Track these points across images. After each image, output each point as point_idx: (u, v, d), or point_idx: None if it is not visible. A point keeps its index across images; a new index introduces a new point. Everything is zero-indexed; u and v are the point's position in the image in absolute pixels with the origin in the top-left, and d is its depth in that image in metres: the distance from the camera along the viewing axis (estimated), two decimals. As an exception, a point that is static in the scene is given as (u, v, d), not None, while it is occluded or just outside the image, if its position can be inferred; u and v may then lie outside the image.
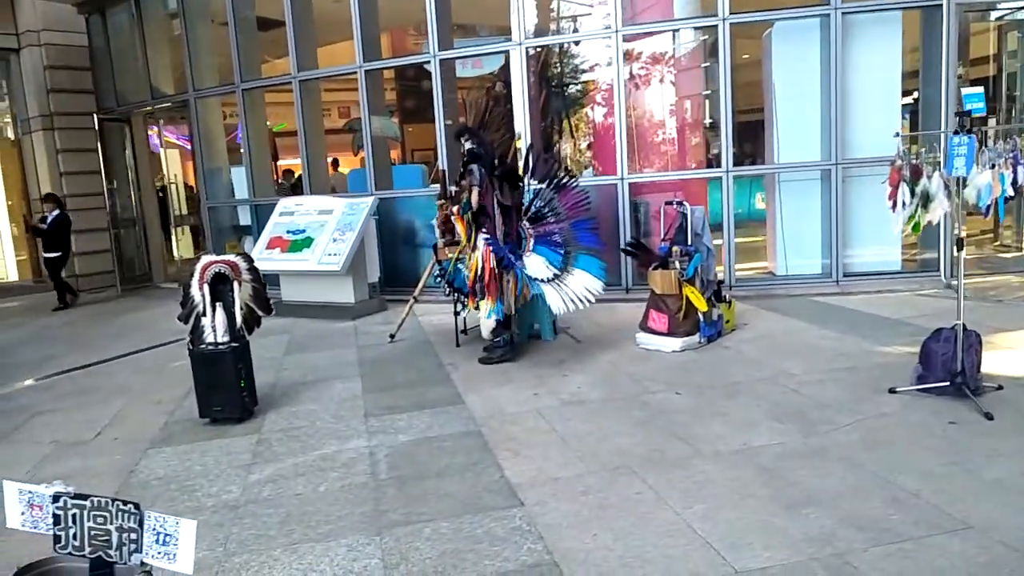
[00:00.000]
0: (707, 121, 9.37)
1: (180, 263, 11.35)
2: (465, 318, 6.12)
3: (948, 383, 3.99)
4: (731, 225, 7.43)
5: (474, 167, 5.33)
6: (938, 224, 7.20)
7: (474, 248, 5.32)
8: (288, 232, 8.01)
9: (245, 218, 10.01)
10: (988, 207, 3.83)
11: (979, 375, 4.07)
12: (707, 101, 8.94)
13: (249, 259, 4.76)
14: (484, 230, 5.24)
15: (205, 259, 4.57)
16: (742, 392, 4.42)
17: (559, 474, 3.42)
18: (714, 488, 3.16)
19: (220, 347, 4.46)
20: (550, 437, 3.91)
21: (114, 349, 6.93)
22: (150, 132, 11.40)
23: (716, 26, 7.17)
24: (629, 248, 6.06)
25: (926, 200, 3.77)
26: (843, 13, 7.03)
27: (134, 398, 5.25)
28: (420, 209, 8.63)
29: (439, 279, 6.02)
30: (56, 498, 1.56)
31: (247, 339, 4.61)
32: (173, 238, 11.42)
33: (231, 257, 4.62)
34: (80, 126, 11.01)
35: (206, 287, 4.48)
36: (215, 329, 4.51)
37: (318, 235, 7.75)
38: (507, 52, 8.13)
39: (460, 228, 5.46)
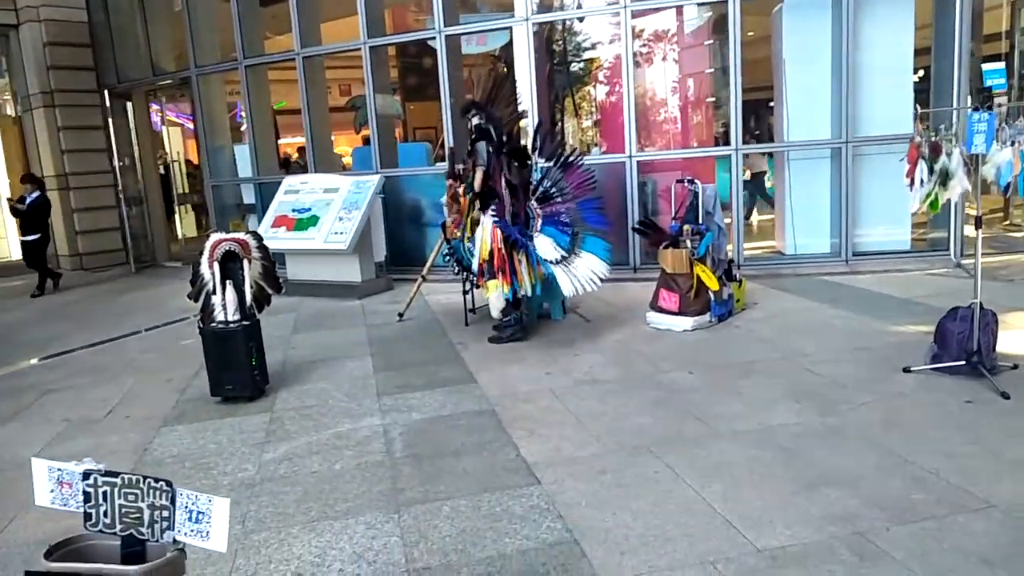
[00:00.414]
0: (712, 99, 9.30)
1: (183, 242, 11.29)
2: (474, 297, 6.09)
3: (964, 362, 3.97)
4: (740, 204, 7.38)
5: (480, 145, 5.26)
6: (948, 202, 7.25)
7: (474, 228, 5.33)
8: (293, 210, 7.96)
9: (249, 196, 9.94)
10: (1008, 185, 3.79)
11: (994, 354, 4.05)
12: (714, 78, 8.84)
13: (259, 237, 4.73)
14: (492, 210, 5.16)
15: (215, 237, 4.53)
16: (756, 371, 4.40)
17: (575, 453, 3.41)
18: (732, 467, 3.15)
19: (231, 325, 4.44)
20: (564, 416, 3.90)
21: (121, 327, 6.91)
22: (151, 110, 11.28)
23: (726, 1, 7.07)
24: (640, 227, 6.01)
25: (945, 178, 3.72)
26: (855, -13, 6.93)
27: (144, 376, 5.24)
28: (426, 187, 8.57)
29: (448, 258, 5.98)
30: (86, 475, 1.54)
31: (257, 317, 4.59)
32: (176, 217, 11.34)
33: (241, 235, 4.58)
34: (81, 103, 10.91)
35: (216, 265, 4.45)
36: (225, 307, 4.48)
37: (324, 213, 7.70)
38: (513, 28, 8.08)
39: (463, 207, 5.41)
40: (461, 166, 5.60)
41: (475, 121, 5.33)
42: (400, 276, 8.15)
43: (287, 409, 4.31)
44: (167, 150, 11.53)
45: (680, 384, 4.29)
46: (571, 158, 5.48)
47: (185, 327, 6.84)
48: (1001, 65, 4.10)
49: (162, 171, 11.58)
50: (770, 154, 9.29)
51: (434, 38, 8.03)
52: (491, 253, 5.12)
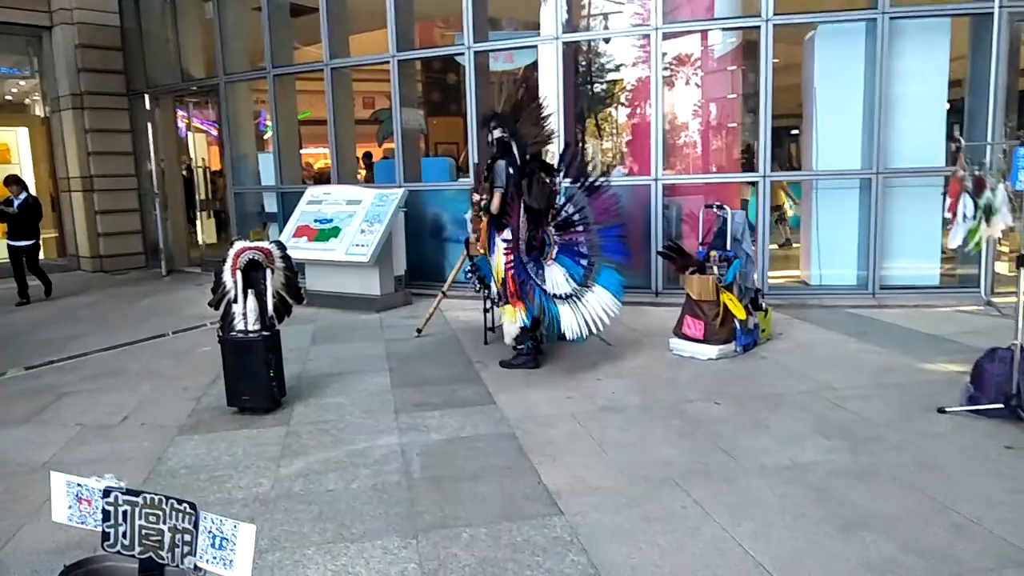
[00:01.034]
0: (739, 124, 9.20)
1: (203, 248, 11.30)
2: (493, 315, 6.01)
3: (1002, 406, 3.84)
4: (766, 231, 7.27)
5: (500, 164, 5.04)
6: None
7: (490, 251, 5.22)
8: (315, 221, 7.94)
9: (271, 205, 9.95)
10: (1054, 224, 3.68)
11: (1034, 398, 3.91)
12: (743, 104, 8.76)
13: (282, 247, 4.68)
14: (507, 236, 5.02)
15: (239, 245, 4.49)
16: (784, 405, 4.29)
17: (599, 483, 3.31)
18: (763, 505, 3.04)
19: (251, 335, 4.38)
20: (587, 444, 3.80)
21: (139, 332, 6.88)
22: (177, 116, 11.34)
23: (759, 27, 7.01)
24: (666, 251, 5.91)
25: (988, 213, 3.62)
26: (890, 18, 6.85)
27: (160, 383, 5.19)
28: (448, 202, 8.55)
29: (470, 275, 5.91)
30: (107, 493, 1.47)
31: (278, 328, 4.53)
32: (197, 223, 11.37)
33: (265, 244, 4.54)
34: (109, 106, 11.00)
35: (239, 273, 4.40)
36: (246, 317, 4.43)
37: (346, 225, 7.67)
38: (540, 47, 8.06)
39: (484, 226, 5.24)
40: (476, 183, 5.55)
41: (496, 134, 5.12)
42: (418, 291, 8.10)
43: (304, 423, 4.23)
44: (191, 156, 11.58)
45: (706, 415, 4.18)
46: (598, 182, 5.36)
47: (202, 334, 6.81)
48: None
49: (184, 176, 11.63)
50: (794, 183, 9.20)
51: (463, 54, 8.02)
52: (504, 283, 5.03)
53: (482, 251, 5.75)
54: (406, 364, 5.45)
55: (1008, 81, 6.86)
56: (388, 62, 8.46)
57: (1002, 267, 7.56)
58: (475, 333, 6.25)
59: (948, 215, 3.83)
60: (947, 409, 4.03)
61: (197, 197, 11.10)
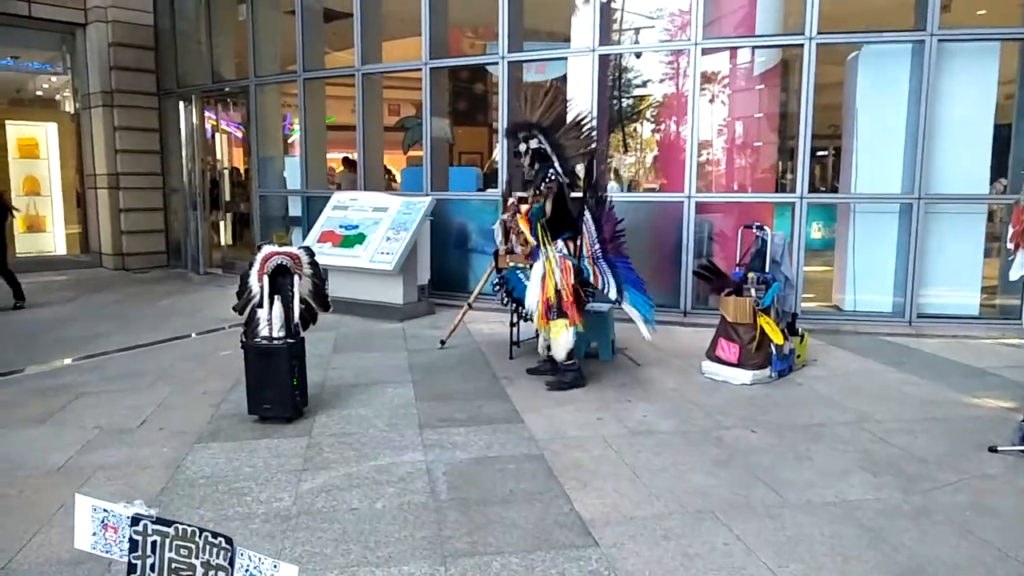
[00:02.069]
0: (775, 143, 9.03)
1: (225, 249, 11.26)
2: (519, 330, 5.87)
3: (1059, 447, 3.65)
4: (802, 254, 7.08)
5: (556, 168, 4.89)
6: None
7: (532, 259, 5.02)
8: (341, 227, 7.85)
9: (295, 209, 9.89)
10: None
11: (1094, 441, 3.71)
12: (780, 123, 8.59)
13: (310, 252, 4.57)
14: (561, 243, 4.91)
15: (267, 249, 4.39)
16: (825, 436, 4.10)
17: (635, 512, 3.15)
18: (810, 545, 2.86)
19: (275, 342, 4.27)
20: (620, 469, 3.64)
21: (159, 332, 6.80)
22: (206, 117, 11.34)
23: (802, 45, 6.86)
24: (701, 270, 5.75)
25: (1055, 245, 3.44)
26: (939, 40, 6.68)
27: (180, 386, 5.09)
28: (474, 212, 8.44)
29: (498, 288, 5.77)
30: (135, 521, 1.34)
31: (303, 336, 4.42)
32: (221, 224, 11.34)
33: (293, 249, 4.44)
34: (139, 104, 11.03)
35: (266, 278, 4.30)
36: (271, 323, 4.32)
37: (371, 232, 7.58)
38: (572, 59, 7.95)
39: (526, 232, 4.97)
40: (519, 194, 5.37)
41: (533, 145, 4.93)
42: (441, 301, 7.98)
43: (326, 435, 4.11)
44: (219, 157, 11.56)
45: (743, 443, 4.00)
46: (605, 198, 5.26)
47: (223, 337, 6.73)
48: None
49: (213, 177, 11.61)
50: (828, 205, 9.00)
51: (496, 63, 7.92)
52: (557, 291, 4.79)
53: (512, 264, 5.63)
54: (430, 376, 5.31)
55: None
56: (420, 69, 8.37)
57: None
58: (499, 347, 6.11)
59: (1010, 246, 3.65)
60: (999, 448, 3.83)
61: (222, 198, 11.06)
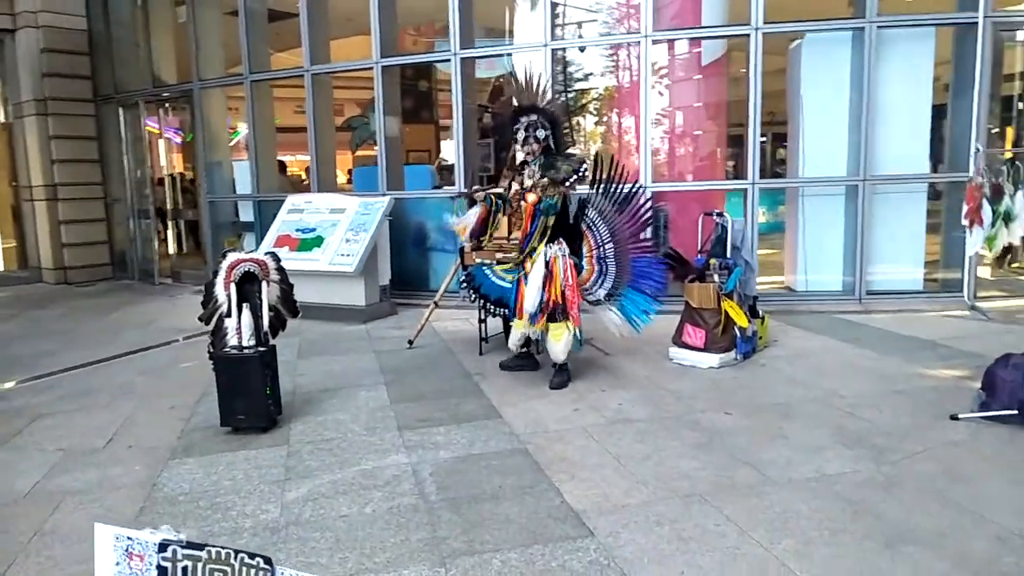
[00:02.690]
0: (723, 132, 9.20)
1: (174, 258, 10.96)
2: (487, 326, 5.87)
3: (1016, 412, 3.83)
4: (755, 239, 7.25)
5: (572, 158, 4.72)
6: (962, 243, 7.20)
7: (527, 259, 4.76)
8: (297, 230, 7.72)
9: (247, 214, 9.67)
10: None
11: (1048, 405, 3.91)
12: (729, 111, 8.76)
13: (277, 258, 4.49)
14: (563, 247, 4.72)
15: (232, 257, 4.29)
16: (796, 414, 4.23)
17: (625, 500, 3.19)
18: (799, 521, 2.95)
19: (246, 351, 4.18)
20: (604, 458, 3.68)
21: (112, 347, 6.57)
22: (146, 122, 10.98)
23: (748, 35, 7.01)
24: (665, 258, 5.83)
25: (1008, 219, 3.61)
26: (878, 27, 6.91)
27: (143, 402, 4.94)
28: (431, 210, 8.39)
29: (465, 285, 5.76)
30: (163, 547, 1.30)
31: (273, 343, 4.34)
32: (169, 233, 11.02)
33: (260, 255, 4.35)
34: (75, 112, 10.62)
35: (233, 287, 4.20)
36: (240, 331, 4.23)
37: (329, 234, 7.47)
38: (521, 55, 7.98)
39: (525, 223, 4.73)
40: (512, 183, 4.94)
41: (540, 135, 4.67)
42: (402, 301, 7.93)
43: (304, 442, 4.04)
44: (163, 163, 11.22)
45: (719, 425, 4.09)
46: (633, 191, 4.91)
47: (182, 348, 6.56)
48: None
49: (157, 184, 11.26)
50: (777, 190, 9.22)
51: (449, 60, 7.88)
52: (562, 292, 4.64)
53: (478, 260, 5.62)
54: (402, 377, 5.28)
55: (991, 88, 6.97)
56: (371, 68, 8.27)
57: (984, 272, 7.66)
58: (467, 344, 6.11)
59: (965, 222, 3.81)
60: (960, 416, 4.01)
61: (168, 206, 10.74)
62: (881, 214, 7.28)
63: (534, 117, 4.58)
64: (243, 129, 13.20)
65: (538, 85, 4.76)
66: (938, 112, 7.46)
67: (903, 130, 7.20)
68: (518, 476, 3.48)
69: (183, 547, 1.29)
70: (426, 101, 16.75)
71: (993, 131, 7.29)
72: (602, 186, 4.87)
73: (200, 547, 1.30)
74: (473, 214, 5.38)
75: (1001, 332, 6.06)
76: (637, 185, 4.94)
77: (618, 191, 4.87)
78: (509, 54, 8.54)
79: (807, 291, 7.62)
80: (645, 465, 3.57)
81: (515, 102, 4.86)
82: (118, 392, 5.20)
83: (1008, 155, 7.31)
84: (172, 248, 11.10)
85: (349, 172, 12.58)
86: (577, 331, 4.74)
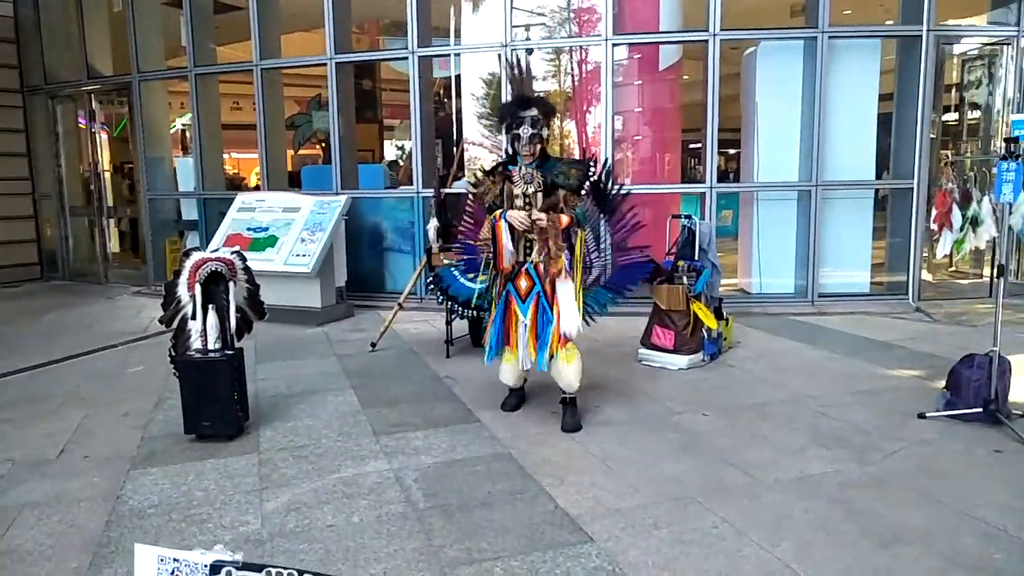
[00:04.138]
0: (678, 135, 9.34)
1: (111, 258, 10.44)
2: (451, 329, 5.76)
3: (980, 410, 3.97)
4: (713, 241, 7.34)
5: (576, 162, 4.01)
6: (907, 247, 7.47)
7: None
8: (249, 229, 7.46)
9: (190, 212, 9.30)
10: (1032, 234, 3.83)
11: (1009, 403, 4.06)
12: (684, 115, 8.90)
13: (243, 257, 4.30)
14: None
15: (197, 256, 4.08)
16: (771, 415, 4.28)
17: (618, 504, 3.15)
18: (793, 522, 2.97)
19: (212, 355, 3.98)
20: (590, 462, 3.64)
21: (51, 351, 6.19)
22: (80, 115, 10.43)
23: (706, 41, 7.12)
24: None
25: (975, 224, 3.74)
26: (829, 36, 7.11)
27: (95, 409, 4.65)
28: (388, 210, 8.24)
29: (431, 286, 5.65)
30: (215, 569, 1.18)
31: (241, 346, 4.15)
32: (106, 231, 10.48)
33: (227, 254, 4.15)
34: (1, 103, 10.01)
35: (198, 287, 4.00)
36: (206, 334, 4.03)
37: (284, 234, 7.24)
38: (469, 56, 7.90)
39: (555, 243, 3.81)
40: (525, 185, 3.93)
41: (544, 132, 3.93)
42: (358, 303, 7.75)
43: (276, 450, 3.87)
44: (99, 158, 10.67)
45: (699, 427, 4.11)
46: (623, 194, 4.19)
47: (128, 351, 6.24)
48: None
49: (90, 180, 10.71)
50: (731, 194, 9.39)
51: (406, 58, 7.74)
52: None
53: (446, 262, 5.53)
54: (370, 381, 5.13)
55: (933, 98, 7.27)
56: (324, 64, 8.06)
57: (927, 275, 7.98)
58: (431, 346, 6.00)
59: (934, 226, 3.93)
60: (927, 415, 4.13)
61: (105, 203, 10.21)
62: (831, 219, 7.49)
63: (534, 111, 3.85)
64: (178, 123, 12.74)
65: (529, 75, 4.07)
66: (883, 121, 7.74)
67: (851, 138, 7.43)
68: (507, 481, 3.41)
69: (239, 568, 1.18)
70: (370, 100, 16.51)
71: (934, 139, 7.56)
72: (591, 190, 4.06)
73: (259, 568, 1.19)
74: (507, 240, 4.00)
75: (947, 333, 6.31)
76: (625, 189, 4.26)
77: (610, 195, 4.14)
78: (457, 54, 8.45)
79: (761, 293, 7.78)
80: (632, 468, 3.54)
81: (511, 93, 4.12)
82: (65, 399, 4.90)
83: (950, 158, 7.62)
84: (108, 247, 10.56)
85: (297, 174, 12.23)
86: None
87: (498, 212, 3.95)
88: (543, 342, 3.93)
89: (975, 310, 7.25)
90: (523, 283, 3.98)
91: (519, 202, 3.92)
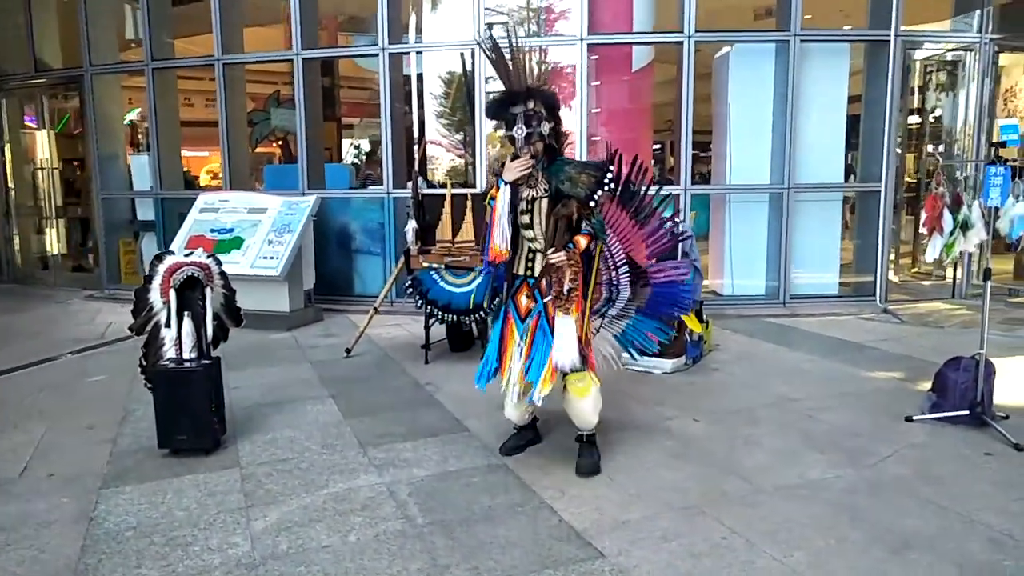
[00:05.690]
0: (650, 137, 9.35)
1: (59, 260, 9.99)
2: (429, 334, 5.62)
3: (967, 412, 4.00)
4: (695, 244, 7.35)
5: (588, 164, 3.57)
6: (874, 249, 7.60)
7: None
8: (212, 231, 7.18)
9: (145, 213, 8.94)
10: (1019, 238, 3.88)
11: (993, 404, 4.12)
12: (656, 116, 8.90)
13: (219, 261, 4.11)
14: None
15: (171, 260, 3.88)
16: (761, 419, 4.26)
17: (624, 516, 3.07)
18: (801, 530, 2.93)
19: (187, 365, 3.78)
20: (588, 471, 3.55)
21: (1, 360, 5.85)
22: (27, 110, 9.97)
23: (681, 43, 7.11)
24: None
25: (965, 228, 3.77)
26: (801, 40, 7.18)
27: (56, 423, 4.38)
28: (356, 211, 8.05)
29: (410, 290, 5.51)
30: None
31: (218, 356, 3.96)
32: (53, 233, 10.02)
33: (203, 258, 3.95)
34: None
35: (173, 293, 3.79)
36: (181, 343, 3.83)
37: (250, 236, 6.99)
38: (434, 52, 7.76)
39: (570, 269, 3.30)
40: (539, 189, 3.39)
41: (544, 130, 3.32)
42: (326, 306, 7.54)
43: (258, 464, 3.69)
44: (48, 155, 10.20)
45: (691, 433, 4.06)
46: (662, 200, 3.59)
47: (84, 360, 5.95)
48: (1015, 121, 4.25)
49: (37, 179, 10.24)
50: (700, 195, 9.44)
51: (376, 55, 7.56)
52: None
53: (425, 264, 5.40)
54: (349, 389, 4.96)
55: (901, 101, 7.41)
56: (289, 60, 7.83)
57: (895, 277, 8.14)
58: (408, 351, 5.87)
59: (924, 230, 3.96)
60: (914, 418, 4.16)
61: (53, 203, 9.75)
62: (801, 221, 7.57)
63: (532, 104, 3.28)
64: (127, 119, 12.26)
65: (528, 61, 3.36)
66: (852, 124, 7.86)
67: (820, 140, 7.51)
68: (506, 494, 3.30)
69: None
70: (328, 98, 16.27)
71: (900, 143, 7.72)
72: (617, 192, 3.44)
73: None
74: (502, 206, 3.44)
75: (917, 335, 6.42)
76: (667, 194, 3.69)
77: (640, 200, 3.50)
78: (419, 52, 8.31)
79: (734, 295, 7.82)
80: (632, 477, 3.47)
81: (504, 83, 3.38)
82: (21, 412, 4.62)
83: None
84: (57, 249, 10.11)
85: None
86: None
87: (495, 189, 3.38)
88: (537, 370, 3.34)
89: (940, 311, 7.41)
90: (523, 300, 3.49)
91: (523, 206, 3.41)
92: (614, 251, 3.52)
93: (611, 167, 3.37)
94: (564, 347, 3.30)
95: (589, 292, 3.42)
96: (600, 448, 3.67)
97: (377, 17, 7.45)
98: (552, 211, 3.36)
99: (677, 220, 4.71)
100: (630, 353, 3.77)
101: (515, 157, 3.36)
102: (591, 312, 3.50)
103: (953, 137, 8.00)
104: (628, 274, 3.55)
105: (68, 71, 9.13)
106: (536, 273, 3.46)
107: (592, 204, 3.31)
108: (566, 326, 3.33)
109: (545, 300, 3.40)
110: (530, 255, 3.49)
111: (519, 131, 3.31)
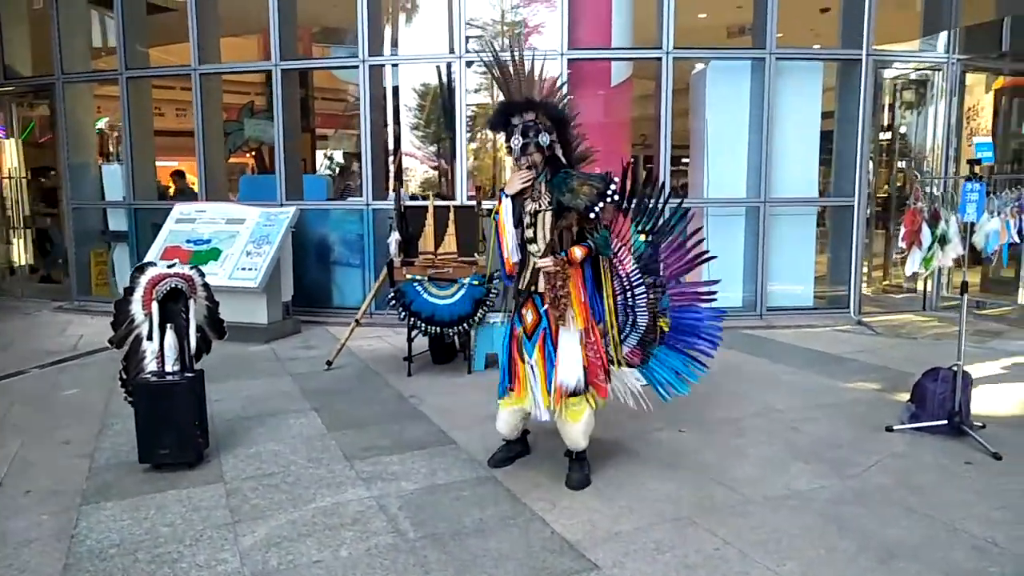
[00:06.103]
0: (621, 151, 9.42)
1: (27, 271, 9.76)
2: (411, 346, 5.59)
3: (945, 422, 4.09)
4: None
5: (592, 175, 3.36)
6: (848, 262, 7.74)
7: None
8: (188, 241, 7.08)
9: (118, 223, 8.78)
10: (994, 253, 3.99)
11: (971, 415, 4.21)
12: (634, 131, 8.99)
13: (202, 273, 4.06)
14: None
15: (153, 271, 3.81)
16: (746, 429, 4.31)
17: (616, 528, 3.08)
18: (791, 540, 2.96)
19: (170, 378, 3.72)
20: (577, 483, 3.56)
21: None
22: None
23: (660, 58, 7.21)
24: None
25: (943, 242, 3.86)
26: (776, 58, 7.32)
27: (31, 437, 4.27)
28: (334, 223, 8.00)
29: (393, 302, 5.48)
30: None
31: (201, 368, 3.90)
32: (20, 243, 9.80)
33: (186, 270, 3.90)
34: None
35: (155, 305, 3.73)
36: (163, 356, 3.76)
37: (228, 246, 6.91)
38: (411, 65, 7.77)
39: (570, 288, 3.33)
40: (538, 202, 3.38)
41: (544, 141, 3.28)
42: (304, 318, 7.47)
43: (243, 478, 3.63)
44: (15, 163, 9.99)
45: (679, 443, 4.09)
46: (681, 215, 3.51)
47: (57, 373, 5.81)
48: (988, 139, 4.37)
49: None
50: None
51: (357, 67, 7.54)
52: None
53: (409, 276, 5.38)
54: (331, 402, 4.91)
55: (872, 117, 7.58)
56: (269, 71, 7.78)
57: (867, 289, 8.29)
58: (390, 363, 5.83)
59: (902, 244, 4.05)
60: (894, 428, 4.23)
61: (21, 212, 9.54)
62: (777, 234, 7.68)
63: (531, 116, 3.27)
64: (96, 127, 12.07)
65: (536, 71, 3.31)
66: (824, 139, 8.02)
67: (795, 156, 7.65)
68: (496, 506, 3.29)
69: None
70: (302, 109, 16.24)
71: (872, 159, 7.90)
72: (632, 205, 3.35)
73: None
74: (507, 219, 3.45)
75: (891, 346, 6.55)
76: (687, 209, 3.60)
77: (655, 215, 3.39)
78: (395, 64, 8.32)
79: (711, 307, 7.86)
80: (623, 488, 3.48)
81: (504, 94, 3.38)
82: (-6, 427, 4.50)
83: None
84: (23, 260, 9.88)
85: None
86: (601, 401, 3.55)
87: (499, 203, 3.39)
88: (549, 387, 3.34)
89: (912, 322, 7.56)
90: (529, 316, 3.44)
91: (527, 220, 3.40)
92: (630, 270, 3.43)
93: (615, 179, 3.30)
94: (568, 364, 3.34)
95: (606, 313, 3.40)
96: (590, 459, 3.67)
97: (358, 29, 7.43)
98: (555, 224, 3.34)
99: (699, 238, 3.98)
100: (659, 392, 3.61)
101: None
102: (621, 341, 3.49)
103: (923, 154, 8.21)
104: (645, 295, 3.50)
105: (39, 79, 8.97)
106: (540, 288, 3.41)
107: (592, 216, 3.25)
108: (569, 342, 3.35)
109: (544, 308, 3.42)
110: (535, 269, 3.43)
111: (516, 142, 3.29)
